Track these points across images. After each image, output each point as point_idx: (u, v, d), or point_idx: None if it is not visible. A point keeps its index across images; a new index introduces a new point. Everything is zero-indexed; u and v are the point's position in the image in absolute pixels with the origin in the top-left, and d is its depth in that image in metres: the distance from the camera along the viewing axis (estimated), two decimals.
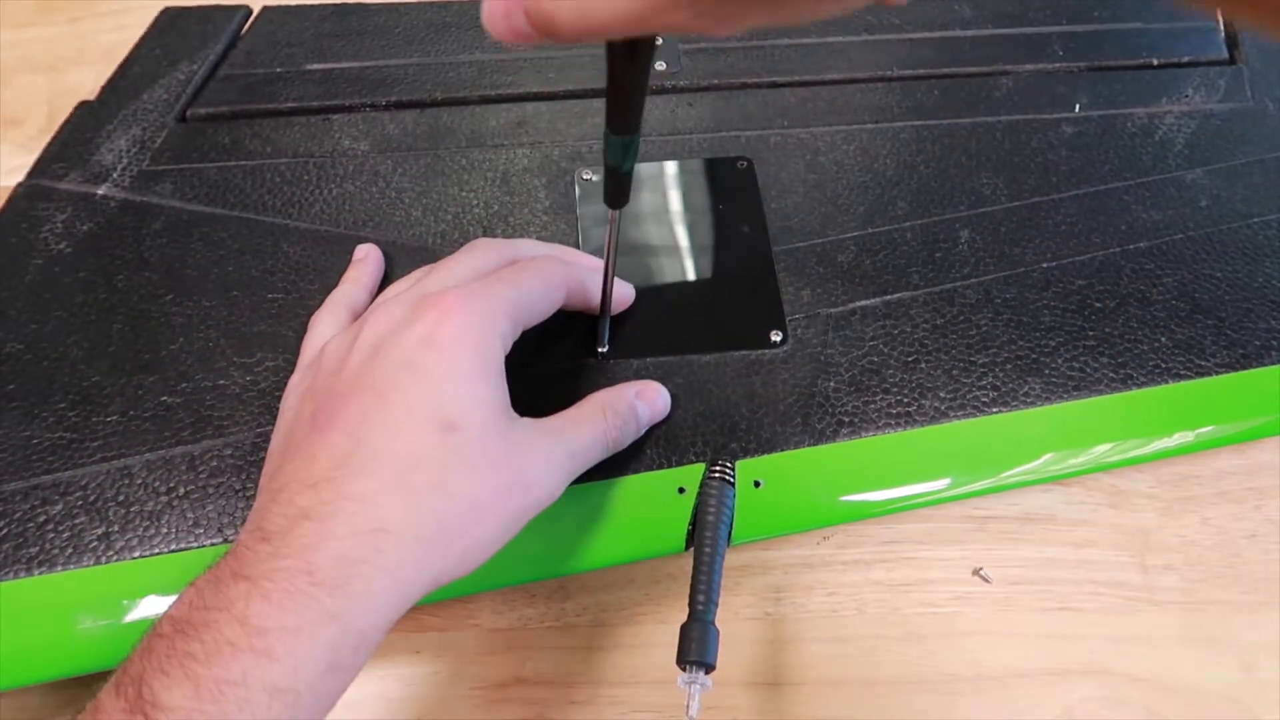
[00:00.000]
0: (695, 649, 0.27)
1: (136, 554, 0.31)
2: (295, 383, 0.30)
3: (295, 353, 0.35)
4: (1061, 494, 0.38)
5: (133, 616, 0.30)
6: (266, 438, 0.33)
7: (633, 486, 0.32)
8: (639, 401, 0.32)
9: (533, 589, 0.35)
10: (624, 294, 0.35)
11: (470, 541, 0.25)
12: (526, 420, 0.28)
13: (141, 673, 0.22)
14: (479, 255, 0.31)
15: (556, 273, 0.31)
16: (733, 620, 0.35)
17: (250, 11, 0.49)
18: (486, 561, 0.26)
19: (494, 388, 0.27)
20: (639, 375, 0.35)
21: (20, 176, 0.41)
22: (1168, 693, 0.34)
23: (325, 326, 0.33)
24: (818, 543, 0.36)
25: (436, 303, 0.27)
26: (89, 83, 0.47)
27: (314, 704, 0.23)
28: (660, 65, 0.46)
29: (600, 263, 0.33)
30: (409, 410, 0.25)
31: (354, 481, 0.24)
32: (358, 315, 0.33)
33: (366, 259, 0.37)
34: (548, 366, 0.35)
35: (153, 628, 0.23)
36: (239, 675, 0.21)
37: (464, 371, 0.26)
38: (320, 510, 0.24)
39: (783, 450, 0.33)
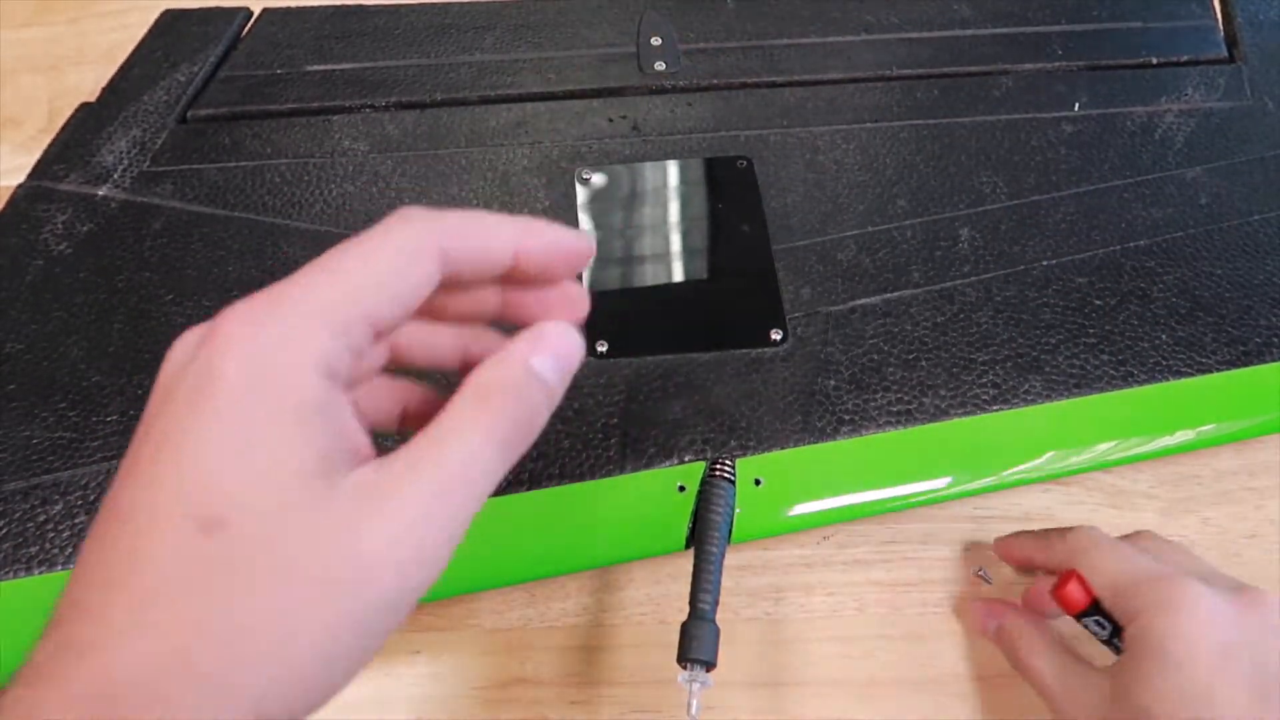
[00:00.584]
0: (696, 647, 0.27)
1: None
2: None
3: None
4: (1061, 494, 0.38)
5: None
6: None
7: (633, 485, 0.32)
8: (536, 359, 0.20)
9: (533, 589, 0.35)
10: (574, 246, 0.22)
11: (276, 677, 0.17)
12: (367, 468, 0.18)
13: None
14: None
15: (412, 234, 0.20)
16: (733, 620, 0.35)
17: (250, 13, 0.49)
18: (339, 692, 0.18)
19: (294, 445, 0.18)
20: (638, 374, 0.35)
21: (20, 176, 0.41)
22: None
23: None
24: (818, 543, 0.36)
25: (215, 326, 0.18)
26: (89, 83, 0.47)
27: None
28: (660, 65, 0.46)
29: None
30: (156, 503, 0.17)
31: (90, 621, 0.17)
32: None
33: None
34: None
35: None
36: None
37: (234, 432, 0.17)
38: (49, 668, 0.17)
39: (783, 448, 0.33)
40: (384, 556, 0.17)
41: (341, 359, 0.19)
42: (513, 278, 0.22)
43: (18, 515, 0.31)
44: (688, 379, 0.35)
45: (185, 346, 0.19)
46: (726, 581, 0.36)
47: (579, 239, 0.22)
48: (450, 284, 0.21)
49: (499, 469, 0.19)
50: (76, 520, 0.31)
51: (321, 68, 0.46)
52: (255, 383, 0.18)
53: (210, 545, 0.17)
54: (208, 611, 0.17)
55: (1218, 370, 0.35)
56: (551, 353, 0.21)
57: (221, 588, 0.17)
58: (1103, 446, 0.34)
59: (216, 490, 0.17)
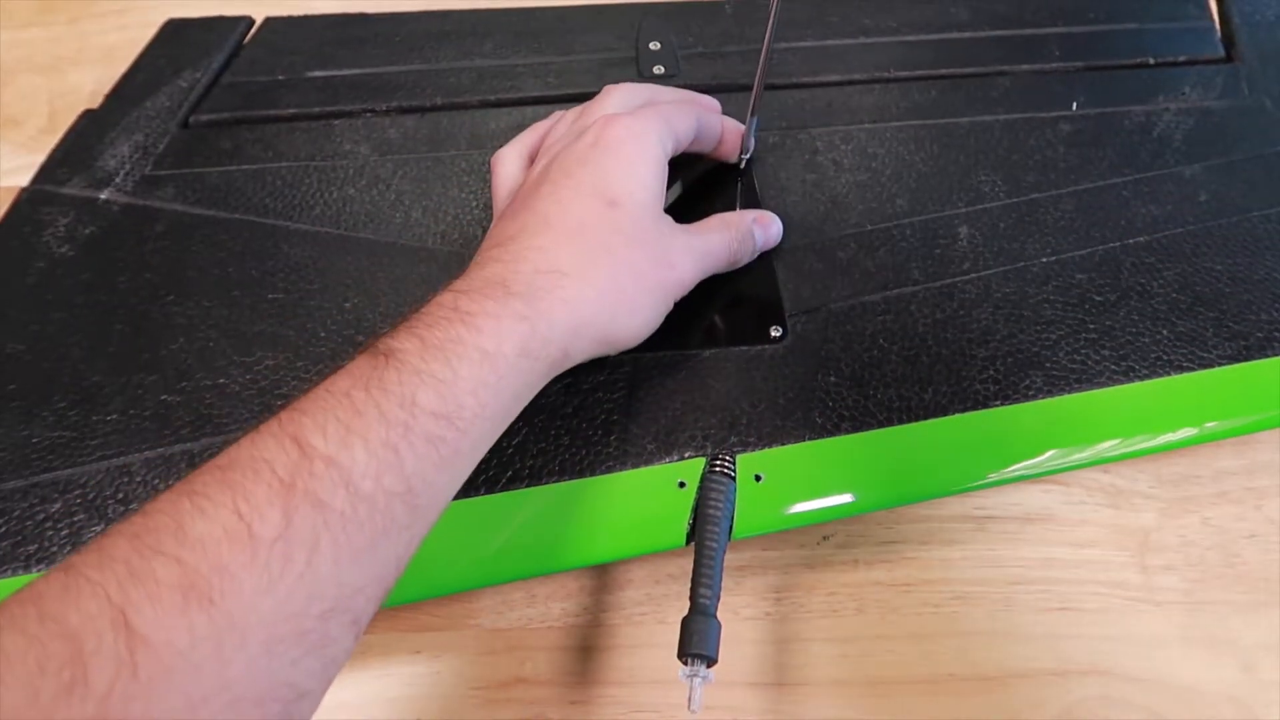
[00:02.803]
0: (697, 641, 0.27)
1: None
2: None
3: (295, 352, 0.36)
4: (1061, 494, 0.38)
5: None
6: None
7: (633, 481, 0.32)
8: (756, 226, 0.36)
9: (533, 589, 0.35)
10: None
11: (631, 304, 0.30)
12: (675, 227, 0.33)
13: (382, 338, 0.26)
14: (624, 93, 0.36)
15: (690, 109, 0.36)
16: (733, 620, 0.35)
17: (253, 21, 0.50)
18: (640, 341, 0.32)
19: (653, 177, 0.32)
20: (639, 370, 0.35)
21: (21, 176, 0.42)
22: (1168, 693, 0.33)
23: (510, 164, 0.36)
24: (818, 542, 0.36)
25: (600, 121, 0.33)
26: (89, 83, 0.47)
27: (512, 379, 0.27)
28: (659, 69, 0.46)
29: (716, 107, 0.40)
30: (577, 189, 0.31)
31: (533, 238, 0.30)
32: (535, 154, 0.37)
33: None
34: None
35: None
36: (455, 337, 0.26)
37: (627, 160, 0.31)
38: (508, 255, 0.29)
39: (784, 444, 0.33)
40: (684, 261, 0.33)
41: (668, 146, 0.34)
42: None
43: (16, 513, 0.31)
44: (688, 375, 0.35)
45: (560, 135, 0.35)
46: (727, 581, 0.36)
47: (748, 142, 0.39)
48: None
49: (721, 264, 0.35)
50: (75, 518, 0.31)
51: (323, 73, 0.46)
52: (637, 140, 0.32)
53: (611, 212, 0.31)
54: (609, 243, 0.30)
55: (1219, 365, 0.35)
56: (764, 227, 0.37)
57: (616, 234, 0.31)
58: (1105, 442, 0.34)
59: (615, 186, 0.31)
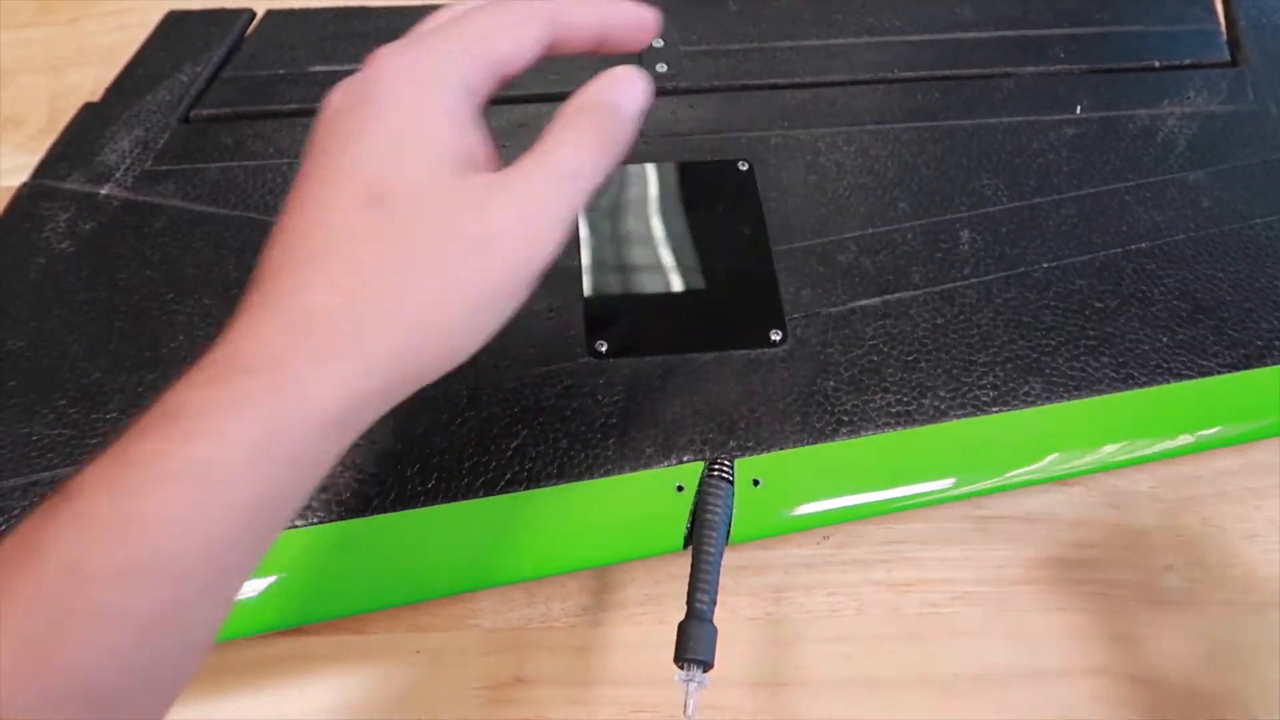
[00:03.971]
0: (693, 647, 0.27)
1: None
2: None
3: None
4: (1062, 494, 0.38)
5: None
6: None
7: (631, 484, 0.32)
8: (614, 91, 0.25)
9: (533, 589, 0.35)
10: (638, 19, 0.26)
11: (423, 318, 0.22)
12: (493, 171, 0.23)
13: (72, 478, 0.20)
14: (433, 18, 0.25)
15: (521, 7, 0.24)
16: (733, 620, 0.35)
17: (254, 14, 0.49)
18: (478, 344, 0.23)
19: (439, 140, 0.22)
20: (638, 373, 0.35)
21: (21, 176, 0.41)
22: (1168, 693, 0.34)
23: None
24: (818, 543, 0.36)
25: (372, 59, 0.23)
26: (89, 83, 0.47)
27: (250, 494, 0.20)
28: (662, 67, 0.46)
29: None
30: (332, 183, 0.22)
31: (284, 274, 0.21)
32: None
33: None
34: (544, 366, 0.35)
35: None
36: (154, 450, 0.19)
37: (397, 128, 0.22)
38: (257, 303, 0.21)
39: (782, 449, 0.33)
40: (509, 227, 0.22)
41: (478, 85, 0.23)
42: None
43: (17, 512, 0.31)
44: (687, 379, 0.35)
45: (343, 88, 0.23)
46: (726, 581, 0.36)
47: (647, 15, 0.26)
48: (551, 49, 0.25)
49: (595, 173, 0.24)
50: None
51: (324, 68, 0.46)
52: (413, 90, 0.22)
53: (377, 213, 0.21)
54: (376, 261, 0.21)
55: (1219, 373, 0.35)
56: (626, 86, 0.25)
57: (388, 243, 0.21)
58: (1103, 449, 0.34)
59: (381, 172, 0.22)
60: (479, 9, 0.24)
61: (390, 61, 0.23)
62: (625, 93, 0.25)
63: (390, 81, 0.23)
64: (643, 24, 0.26)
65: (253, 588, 0.30)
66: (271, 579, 0.30)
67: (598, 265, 0.38)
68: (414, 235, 0.21)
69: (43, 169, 0.42)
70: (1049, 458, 0.33)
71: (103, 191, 0.41)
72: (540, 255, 0.23)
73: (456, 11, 0.25)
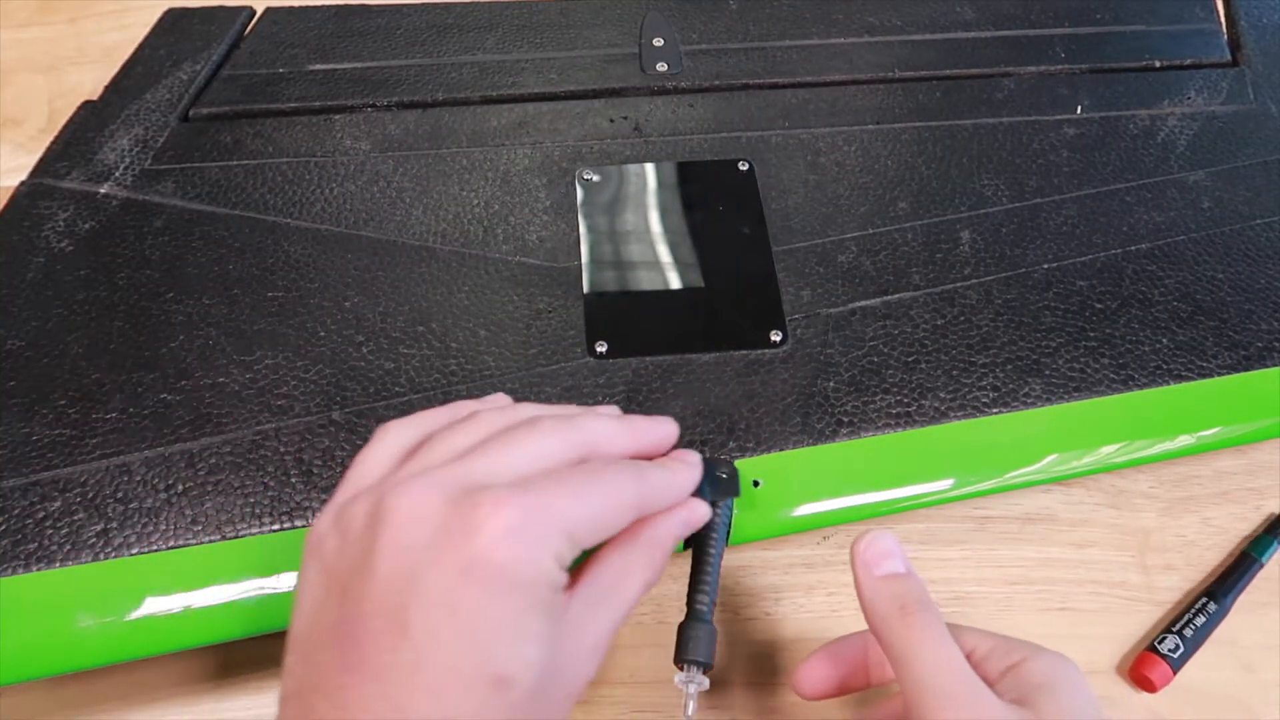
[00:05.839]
0: (692, 648, 0.27)
1: (135, 550, 0.31)
2: (322, 529, 0.25)
3: (295, 351, 0.36)
4: (1061, 494, 0.38)
5: (131, 613, 0.30)
6: (265, 435, 0.33)
7: None
8: (679, 521, 0.27)
9: None
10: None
11: None
12: (573, 605, 0.24)
13: None
14: (544, 438, 0.25)
15: (628, 491, 0.25)
16: (733, 620, 0.35)
17: (253, 12, 0.49)
18: None
19: (546, 617, 0.23)
20: (638, 375, 0.35)
21: (21, 176, 0.41)
22: (1168, 693, 0.34)
23: (385, 446, 0.27)
24: (818, 543, 0.36)
25: (487, 513, 0.22)
26: (89, 83, 0.47)
27: None
28: (662, 66, 0.46)
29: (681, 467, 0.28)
30: (452, 668, 0.21)
31: None
32: None
33: (490, 403, 0.29)
34: (544, 366, 0.35)
35: None
36: None
37: (513, 612, 0.22)
38: None
39: (782, 450, 0.33)
40: (588, 672, 0.24)
41: (566, 561, 0.24)
42: None
43: (16, 512, 0.31)
44: (687, 380, 0.35)
45: (429, 511, 0.23)
46: (726, 581, 0.36)
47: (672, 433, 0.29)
48: None
49: (639, 593, 0.26)
50: (75, 517, 0.31)
51: (324, 67, 0.46)
52: (518, 573, 0.22)
53: (499, 698, 0.21)
54: None
55: (1218, 374, 0.35)
56: (686, 522, 0.28)
57: None
58: (1103, 450, 0.34)
59: (500, 655, 0.22)
60: (589, 482, 0.25)
61: (504, 532, 0.22)
62: (687, 525, 0.28)
63: (503, 555, 0.22)
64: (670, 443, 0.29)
65: (257, 588, 0.30)
66: (275, 578, 0.30)
67: (598, 265, 0.38)
68: (538, 712, 0.22)
69: (41, 168, 0.42)
70: (1049, 458, 0.33)
71: (102, 190, 0.41)
72: (594, 673, 0.25)
73: (568, 438, 0.26)
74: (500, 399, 0.30)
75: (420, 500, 0.23)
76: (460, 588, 0.22)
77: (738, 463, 0.33)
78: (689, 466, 0.28)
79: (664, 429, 0.28)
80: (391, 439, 0.27)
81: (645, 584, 0.26)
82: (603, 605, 0.25)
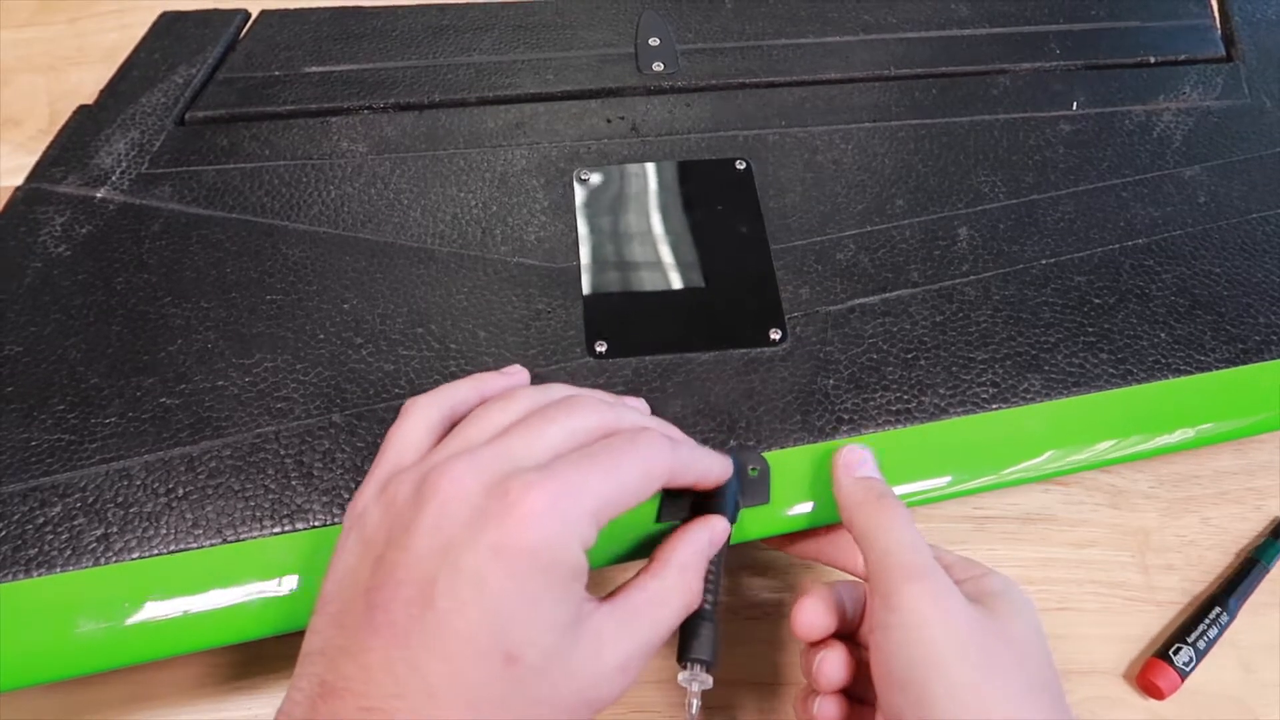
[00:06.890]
0: (696, 646, 0.27)
1: (135, 555, 0.31)
2: (365, 502, 0.27)
3: (294, 353, 0.36)
4: (1061, 494, 0.38)
5: (131, 618, 0.30)
6: (265, 438, 0.33)
7: None
8: (705, 543, 0.29)
9: None
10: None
11: None
12: (600, 613, 0.25)
13: None
14: (578, 414, 0.27)
15: (660, 457, 0.27)
16: (733, 620, 0.35)
17: (249, 15, 0.49)
18: None
19: (564, 605, 0.24)
20: (638, 374, 0.35)
21: (20, 177, 0.41)
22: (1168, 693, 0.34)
23: (417, 423, 0.28)
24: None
25: (518, 498, 0.24)
26: (89, 83, 0.47)
27: None
28: (658, 66, 0.46)
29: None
30: (470, 639, 0.23)
31: (411, 714, 0.23)
32: (456, 420, 0.29)
33: (511, 376, 0.32)
34: (544, 366, 0.35)
35: None
36: None
37: (532, 593, 0.24)
38: None
39: (782, 447, 0.33)
40: (614, 688, 0.25)
41: (590, 541, 0.25)
42: None
43: (16, 517, 0.31)
44: (687, 379, 0.35)
45: (467, 493, 0.25)
46: (727, 581, 0.36)
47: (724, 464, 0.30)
48: None
49: (679, 613, 0.27)
50: (75, 522, 0.31)
51: (320, 69, 0.46)
52: (543, 557, 0.24)
53: (509, 672, 0.23)
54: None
55: (1216, 368, 0.35)
56: (711, 541, 0.29)
57: (515, 702, 0.23)
58: (1102, 445, 0.34)
59: (514, 633, 0.23)
60: (621, 453, 0.26)
61: (534, 515, 0.24)
62: (713, 548, 0.29)
63: (532, 538, 0.24)
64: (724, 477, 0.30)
65: (259, 591, 0.30)
66: (276, 582, 0.30)
67: (597, 265, 0.38)
68: (540, 699, 0.24)
69: (37, 172, 0.41)
70: (1048, 454, 0.33)
71: (98, 195, 0.41)
72: (623, 692, 0.26)
73: (602, 415, 0.27)
74: (516, 369, 0.32)
75: (461, 481, 0.25)
76: (489, 566, 0.23)
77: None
78: (719, 457, 0.30)
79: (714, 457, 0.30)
80: (420, 415, 0.29)
81: (682, 608, 0.27)
82: (633, 623, 0.26)
